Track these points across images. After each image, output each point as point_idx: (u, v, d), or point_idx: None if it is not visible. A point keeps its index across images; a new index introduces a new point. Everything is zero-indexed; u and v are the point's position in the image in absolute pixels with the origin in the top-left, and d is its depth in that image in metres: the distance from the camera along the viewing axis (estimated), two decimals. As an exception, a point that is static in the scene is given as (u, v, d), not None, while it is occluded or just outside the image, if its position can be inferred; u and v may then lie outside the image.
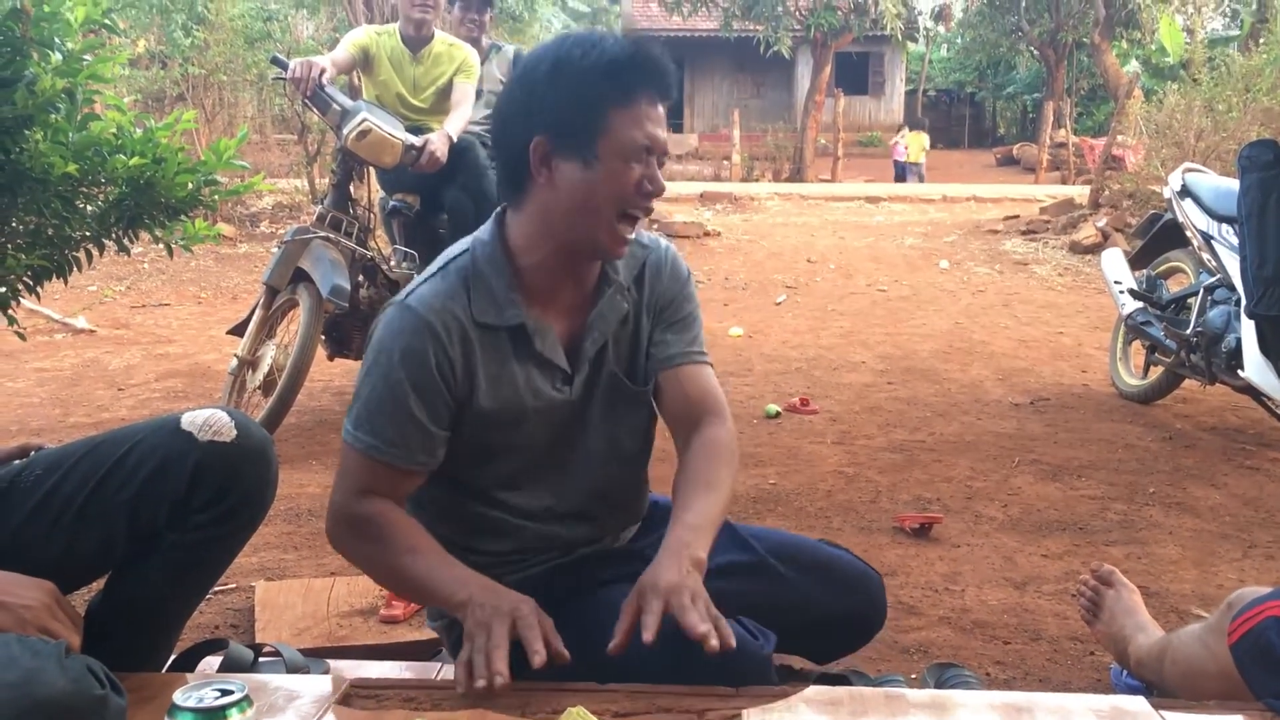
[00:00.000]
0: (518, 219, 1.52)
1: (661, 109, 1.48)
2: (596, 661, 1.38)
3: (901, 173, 24.32)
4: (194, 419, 1.46)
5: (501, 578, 1.59)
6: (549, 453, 1.60)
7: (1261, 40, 12.67)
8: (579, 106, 1.42)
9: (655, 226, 12.65)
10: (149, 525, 1.45)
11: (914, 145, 24.48)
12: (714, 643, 1.29)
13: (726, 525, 1.73)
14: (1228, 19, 24.57)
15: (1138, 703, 1.37)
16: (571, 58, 1.43)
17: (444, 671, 1.91)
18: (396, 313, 1.50)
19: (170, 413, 1.51)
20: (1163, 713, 1.33)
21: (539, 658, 1.32)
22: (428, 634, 2.32)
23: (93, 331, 6.91)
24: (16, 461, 1.51)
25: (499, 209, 1.57)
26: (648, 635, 1.31)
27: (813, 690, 1.36)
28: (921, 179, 23.69)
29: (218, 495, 1.46)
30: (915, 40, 31.22)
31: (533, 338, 1.53)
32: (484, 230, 1.56)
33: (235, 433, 1.46)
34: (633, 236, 1.52)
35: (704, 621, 1.31)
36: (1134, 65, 22.29)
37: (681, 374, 1.63)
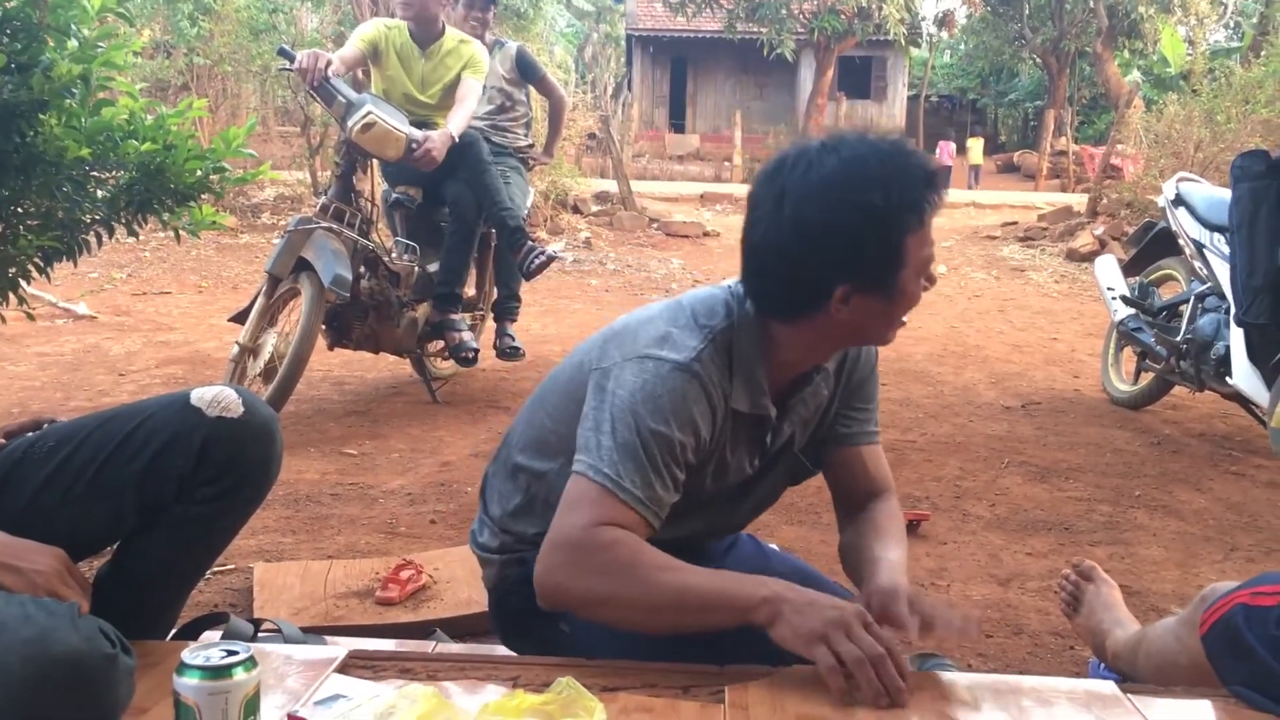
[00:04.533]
0: (785, 328, 1.49)
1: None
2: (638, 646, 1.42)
3: (946, 178, 24.71)
4: (203, 395, 1.51)
5: None
6: (702, 510, 1.59)
7: (1263, 53, 12.73)
8: (885, 251, 1.41)
9: (655, 226, 12.70)
10: (157, 498, 1.50)
11: (975, 149, 26.15)
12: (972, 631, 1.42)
13: (751, 539, 1.82)
14: (1229, 31, 24.63)
15: (1107, 686, 1.42)
16: (875, 204, 1.38)
17: (439, 649, 1.96)
18: (678, 372, 1.43)
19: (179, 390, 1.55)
20: (1131, 697, 1.38)
21: (901, 696, 1.28)
22: (423, 616, 2.38)
23: (94, 318, 6.95)
24: (30, 434, 1.55)
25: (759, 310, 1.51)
26: (913, 635, 1.38)
27: (795, 668, 1.41)
28: (978, 181, 25.17)
29: (224, 469, 1.50)
30: (918, 45, 31.28)
31: (767, 427, 1.55)
32: (745, 312, 1.50)
33: (243, 409, 1.51)
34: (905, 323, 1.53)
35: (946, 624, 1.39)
36: (1135, 75, 22.37)
37: (863, 453, 1.67)
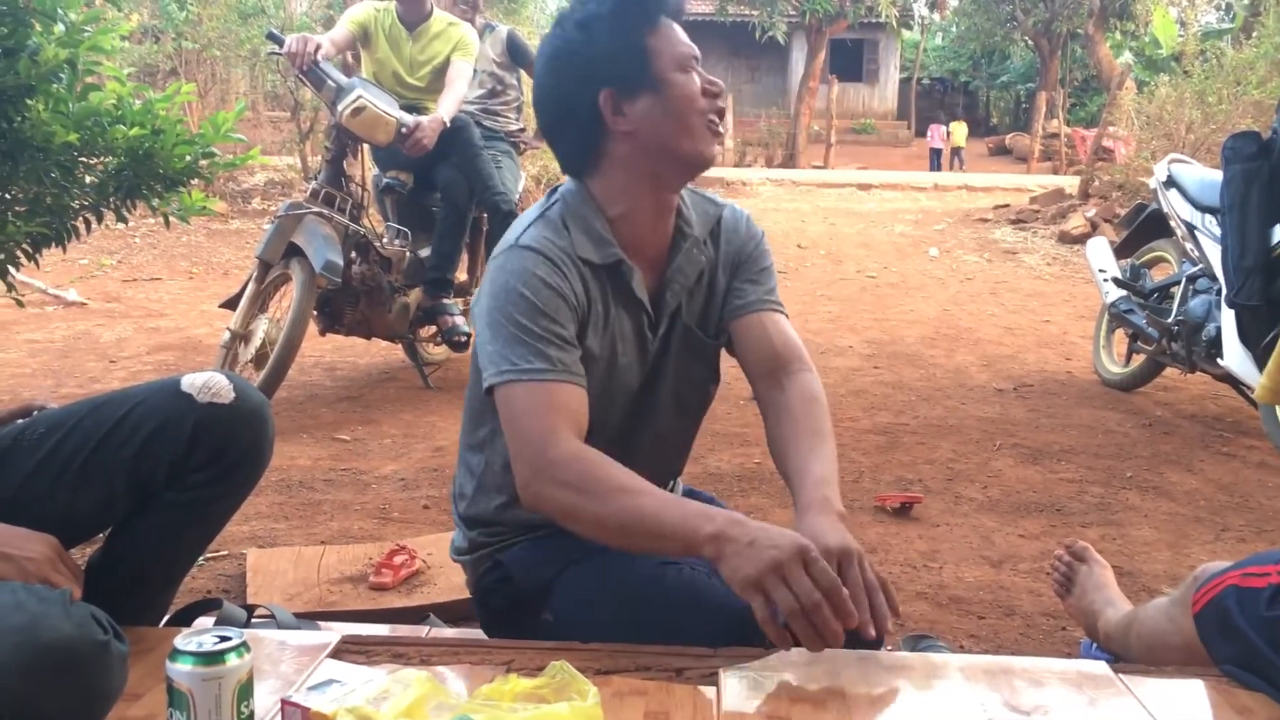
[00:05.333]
0: (598, 179, 1.55)
1: (678, 27, 1.53)
2: (629, 623, 1.43)
3: (937, 161, 25.57)
4: (193, 381, 1.50)
5: (540, 541, 1.58)
6: (623, 404, 1.61)
7: (1254, 34, 12.73)
8: (623, 47, 1.48)
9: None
10: (149, 484, 1.49)
11: (958, 132, 26.23)
12: (870, 632, 1.28)
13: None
14: (1221, 12, 24.62)
15: (1099, 666, 1.42)
16: (590, 12, 1.49)
17: (432, 634, 1.97)
18: (510, 254, 1.50)
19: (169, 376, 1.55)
20: (1122, 677, 1.38)
21: (836, 640, 1.25)
22: (416, 601, 2.38)
23: (84, 304, 6.93)
24: (20, 421, 1.55)
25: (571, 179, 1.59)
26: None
27: (788, 650, 1.41)
28: (963, 164, 25.25)
29: (215, 455, 1.50)
30: (910, 28, 31.27)
31: (628, 277, 1.55)
32: (568, 184, 1.58)
33: (233, 395, 1.51)
34: (720, 134, 1.55)
35: (863, 609, 1.29)
36: (1127, 56, 22.37)
37: (763, 319, 1.64)
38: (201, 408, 1.48)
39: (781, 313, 1.67)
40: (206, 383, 1.50)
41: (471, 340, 4.79)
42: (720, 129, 1.55)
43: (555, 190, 1.60)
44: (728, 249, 1.67)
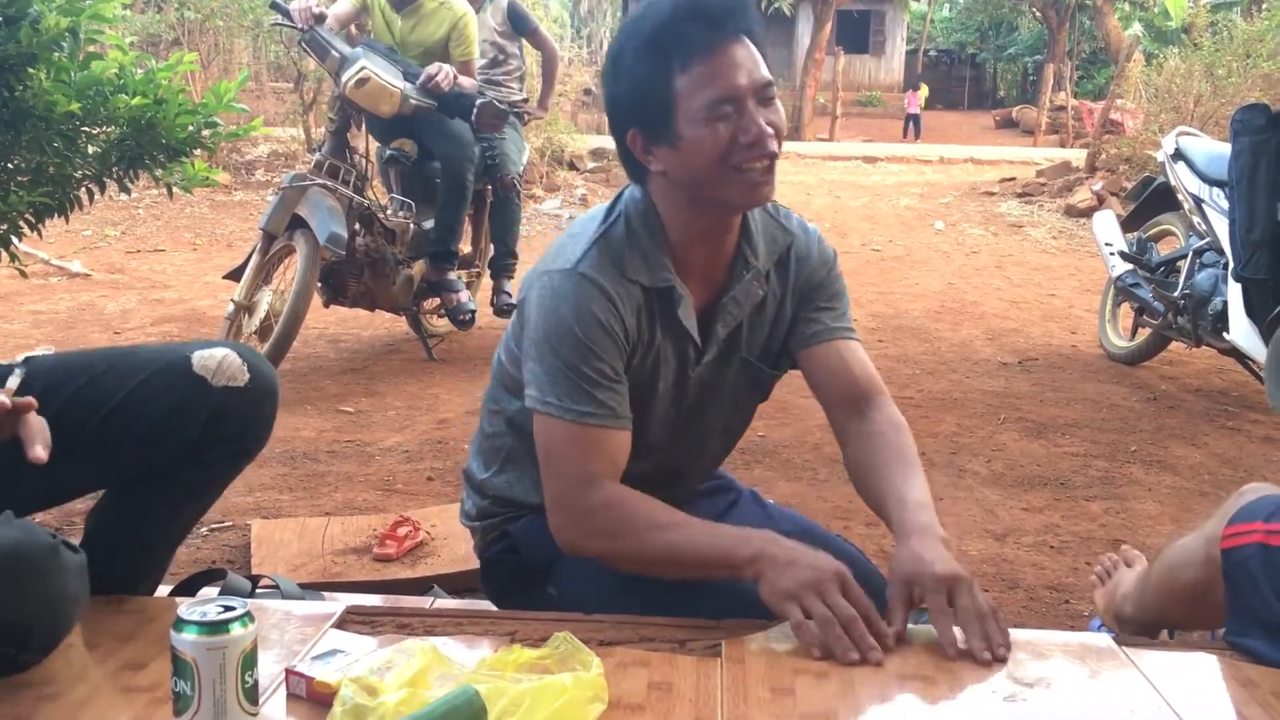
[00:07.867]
0: (657, 197, 1.49)
1: (736, 48, 1.38)
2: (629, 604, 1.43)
3: (917, 126, 26.39)
4: (205, 363, 1.46)
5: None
6: (665, 425, 1.58)
7: (1264, 6, 12.62)
8: (646, 92, 1.39)
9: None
10: (159, 459, 1.47)
11: (922, 95, 27.30)
12: (985, 657, 1.29)
13: (754, 496, 1.80)
14: (1231, -16, 24.38)
15: (1102, 639, 1.42)
16: (621, 46, 1.41)
17: (436, 605, 1.97)
18: (566, 279, 1.43)
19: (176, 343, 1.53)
20: (1125, 650, 1.38)
21: (873, 654, 1.27)
22: (420, 572, 2.39)
23: (88, 275, 6.93)
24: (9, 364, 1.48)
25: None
26: (950, 651, 1.30)
27: (790, 623, 1.41)
28: (919, 129, 26.24)
29: (232, 436, 1.49)
30: (917, -1, 30.99)
31: (677, 304, 1.49)
32: (633, 191, 1.52)
33: (248, 376, 1.47)
34: (764, 178, 1.42)
35: (974, 634, 1.30)
36: (1136, 28, 22.18)
37: (839, 349, 1.59)
38: (218, 393, 1.45)
39: (856, 340, 1.63)
40: (220, 365, 1.46)
41: (476, 318, 4.83)
42: (760, 174, 1.41)
43: (620, 196, 1.53)
44: (796, 280, 1.59)
